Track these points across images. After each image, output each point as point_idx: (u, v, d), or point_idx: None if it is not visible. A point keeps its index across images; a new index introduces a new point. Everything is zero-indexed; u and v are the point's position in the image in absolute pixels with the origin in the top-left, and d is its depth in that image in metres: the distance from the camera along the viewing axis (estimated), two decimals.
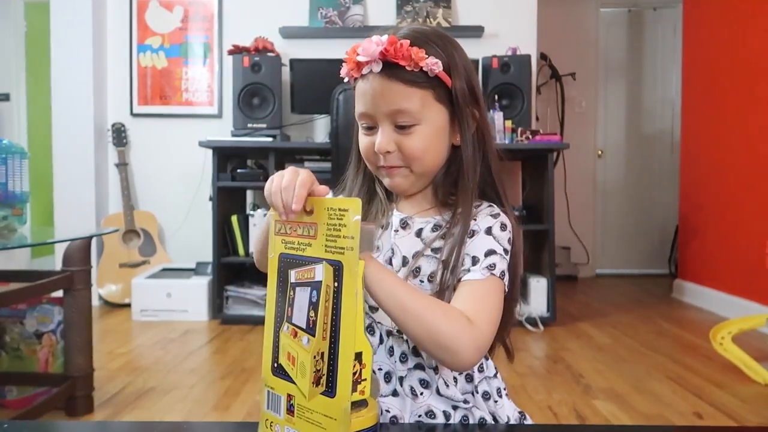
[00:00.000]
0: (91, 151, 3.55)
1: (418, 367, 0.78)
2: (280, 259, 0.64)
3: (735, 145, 3.37)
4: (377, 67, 0.75)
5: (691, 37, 3.94)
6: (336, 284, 0.58)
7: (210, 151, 3.25)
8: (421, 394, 0.77)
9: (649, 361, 2.54)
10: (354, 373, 0.56)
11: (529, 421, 0.84)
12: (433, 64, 0.75)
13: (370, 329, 0.80)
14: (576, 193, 4.66)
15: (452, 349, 0.67)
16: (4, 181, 1.77)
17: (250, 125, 3.25)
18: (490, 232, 0.78)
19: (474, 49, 3.37)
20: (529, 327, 3.04)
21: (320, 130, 3.64)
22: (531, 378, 2.31)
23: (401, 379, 0.78)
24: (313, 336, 0.59)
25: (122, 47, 3.69)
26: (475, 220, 0.79)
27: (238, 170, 3.26)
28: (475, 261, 0.75)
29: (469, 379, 0.80)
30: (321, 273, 0.59)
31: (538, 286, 3.16)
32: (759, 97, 3.15)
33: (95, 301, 3.39)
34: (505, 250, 0.78)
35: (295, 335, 0.61)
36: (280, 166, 3.27)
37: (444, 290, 0.75)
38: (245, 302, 3.22)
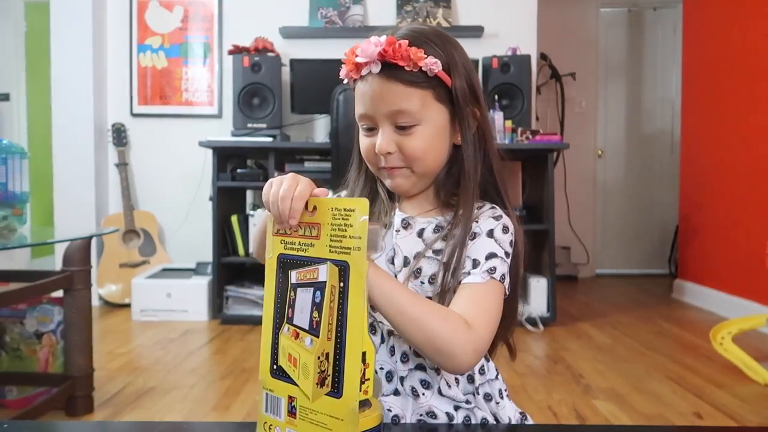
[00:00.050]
0: (91, 151, 3.55)
1: (419, 367, 0.78)
2: (279, 259, 0.63)
3: (735, 145, 3.37)
4: (376, 68, 0.75)
5: (691, 37, 3.94)
6: (342, 284, 0.58)
7: (210, 151, 3.25)
8: (423, 394, 0.77)
9: (649, 361, 2.54)
10: None
11: (530, 422, 0.84)
12: (432, 64, 0.75)
13: (372, 328, 0.80)
14: (576, 193, 4.66)
15: (449, 352, 0.66)
16: (4, 181, 1.77)
17: (250, 125, 3.25)
18: (492, 234, 0.78)
19: (474, 49, 3.37)
20: (529, 327, 3.04)
21: (320, 130, 3.64)
22: (531, 378, 2.31)
23: (402, 379, 0.78)
24: (317, 337, 0.58)
25: (122, 47, 3.69)
26: (476, 221, 0.79)
27: (238, 170, 3.26)
28: (475, 264, 0.75)
29: (471, 379, 0.80)
30: (325, 273, 0.59)
31: (538, 286, 3.16)
32: (759, 97, 3.15)
33: (95, 301, 3.39)
34: (506, 253, 0.77)
35: (297, 336, 0.60)
36: (280, 166, 3.27)
37: (445, 292, 0.75)
38: (245, 302, 3.22)
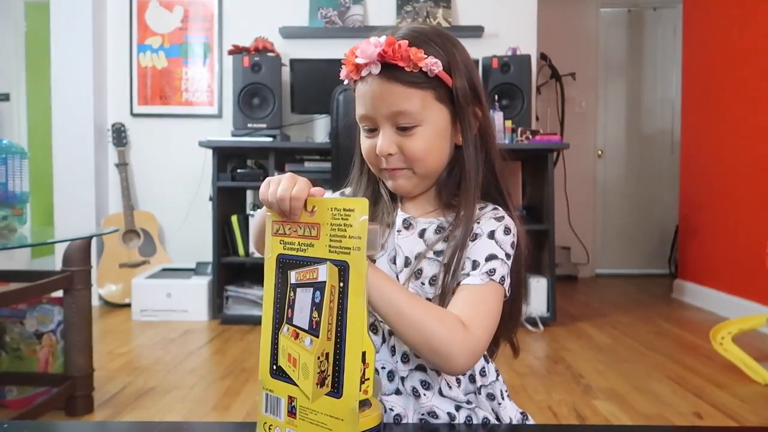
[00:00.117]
0: (91, 151, 3.55)
1: (420, 368, 0.78)
2: (278, 260, 0.63)
3: (735, 145, 3.37)
4: (376, 69, 0.74)
5: (691, 37, 3.94)
6: (341, 284, 0.58)
7: (210, 151, 3.25)
8: (424, 395, 0.77)
9: (649, 361, 2.54)
10: None
11: (531, 422, 0.84)
12: (433, 64, 0.74)
13: (372, 328, 0.79)
14: (576, 193, 4.66)
15: (446, 353, 0.66)
16: (4, 181, 1.77)
17: (250, 125, 3.25)
18: (493, 236, 0.77)
19: (474, 49, 3.37)
20: (529, 327, 3.04)
21: (320, 130, 3.64)
22: (531, 378, 2.31)
23: (403, 379, 0.78)
24: (317, 337, 0.59)
25: (122, 47, 3.69)
26: (478, 222, 0.79)
27: (238, 170, 3.26)
28: (475, 265, 0.75)
29: (472, 379, 0.80)
30: (325, 273, 0.59)
31: (538, 286, 3.16)
32: (759, 97, 3.15)
33: (95, 301, 3.39)
34: (507, 255, 0.77)
35: (297, 337, 0.60)
36: (280, 166, 3.27)
37: (445, 293, 0.74)
38: (245, 302, 3.22)
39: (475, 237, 0.77)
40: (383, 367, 0.78)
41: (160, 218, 3.67)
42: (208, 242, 3.23)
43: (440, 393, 0.77)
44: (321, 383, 0.58)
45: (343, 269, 0.58)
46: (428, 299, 0.76)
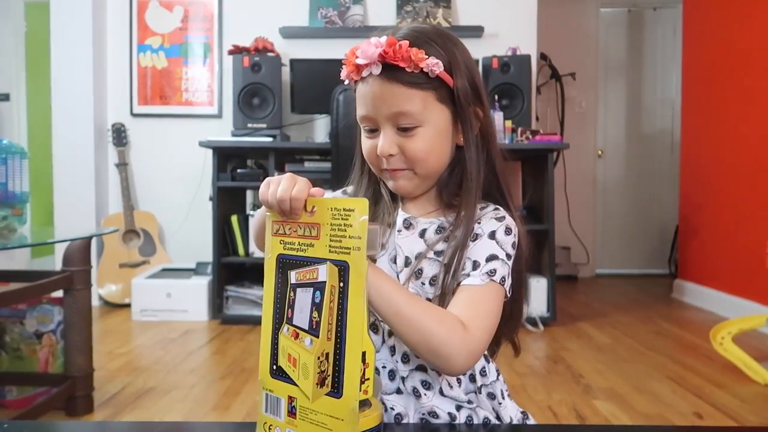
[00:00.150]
0: (91, 151, 3.55)
1: (420, 368, 0.78)
2: (278, 260, 0.63)
3: (735, 145, 3.37)
4: (377, 70, 0.74)
5: (691, 37, 3.94)
6: (341, 284, 0.58)
7: (210, 151, 3.25)
8: (424, 394, 0.77)
9: (649, 361, 2.54)
10: None
11: (531, 422, 0.84)
12: (434, 65, 0.74)
13: (373, 327, 0.79)
14: (576, 193, 4.66)
15: (445, 354, 0.66)
16: (4, 181, 1.77)
17: (250, 125, 3.25)
18: (494, 236, 0.77)
19: (474, 49, 3.31)
20: (529, 327, 3.04)
21: (320, 130, 3.64)
22: (531, 378, 2.31)
23: (403, 379, 0.78)
24: (317, 337, 0.59)
25: (122, 47, 3.69)
26: (479, 223, 0.78)
27: (238, 170, 3.26)
28: (475, 265, 0.75)
29: (473, 379, 0.80)
30: (325, 273, 0.59)
31: (538, 286, 3.16)
32: (759, 97, 3.15)
33: (95, 301, 3.39)
34: (508, 255, 0.77)
35: (297, 337, 0.60)
36: (280, 166, 3.27)
37: (445, 294, 0.74)
38: (245, 302, 3.22)
39: (476, 237, 0.77)
40: (384, 367, 0.78)
41: (160, 218, 3.67)
42: (208, 242, 3.23)
43: (441, 393, 0.77)
44: (321, 383, 0.58)
45: (343, 269, 0.58)
46: (428, 299, 0.76)
